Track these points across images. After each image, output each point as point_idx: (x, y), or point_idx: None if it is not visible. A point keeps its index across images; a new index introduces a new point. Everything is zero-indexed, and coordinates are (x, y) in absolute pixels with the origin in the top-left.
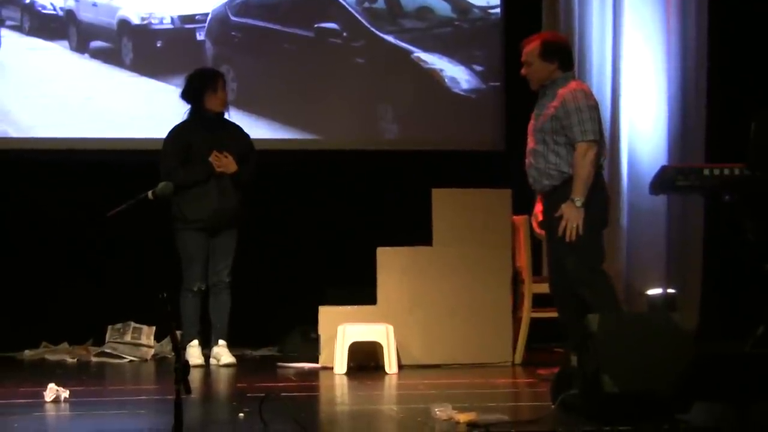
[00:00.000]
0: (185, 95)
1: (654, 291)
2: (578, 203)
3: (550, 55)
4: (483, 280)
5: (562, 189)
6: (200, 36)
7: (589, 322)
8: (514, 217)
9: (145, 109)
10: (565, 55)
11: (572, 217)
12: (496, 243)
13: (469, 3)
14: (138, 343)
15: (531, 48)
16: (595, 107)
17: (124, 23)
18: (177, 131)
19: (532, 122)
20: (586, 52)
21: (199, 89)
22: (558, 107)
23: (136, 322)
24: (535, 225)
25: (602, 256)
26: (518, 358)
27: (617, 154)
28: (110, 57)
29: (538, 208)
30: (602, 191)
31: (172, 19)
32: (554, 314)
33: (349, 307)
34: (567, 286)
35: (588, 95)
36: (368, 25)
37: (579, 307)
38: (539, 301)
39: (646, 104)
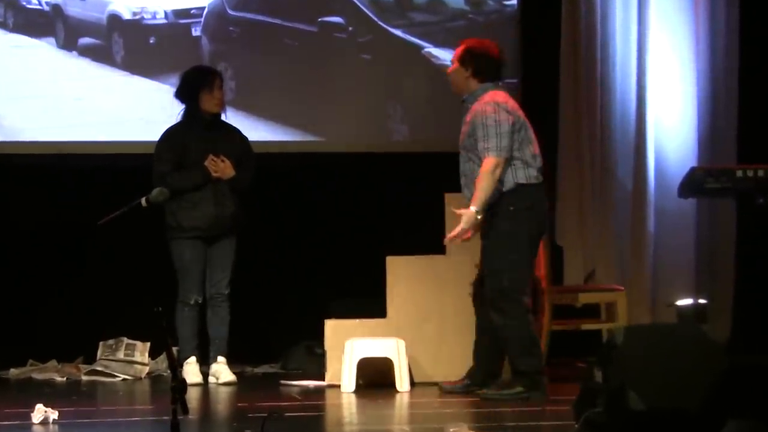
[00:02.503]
0: (179, 95)
1: (683, 301)
2: (477, 212)
3: (466, 61)
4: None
5: (498, 205)
6: (196, 31)
7: (614, 335)
8: None
9: (137, 110)
10: (483, 66)
11: (467, 223)
12: None
13: None
14: (131, 360)
15: (457, 50)
16: (505, 121)
17: (114, 18)
18: (170, 134)
19: None
20: (608, 46)
21: (194, 88)
22: (469, 122)
23: (130, 338)
24: None
25: (523, 281)
26: None
27: (643, 155)
28: (100, 55)
29: None
30: (531, 207)
31: (165, 13)
32: (577, 326)
33: (357, 321)
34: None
35: (498, 108)
36: (376, 19)
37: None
38: (560, 312)
39: (673, 101)
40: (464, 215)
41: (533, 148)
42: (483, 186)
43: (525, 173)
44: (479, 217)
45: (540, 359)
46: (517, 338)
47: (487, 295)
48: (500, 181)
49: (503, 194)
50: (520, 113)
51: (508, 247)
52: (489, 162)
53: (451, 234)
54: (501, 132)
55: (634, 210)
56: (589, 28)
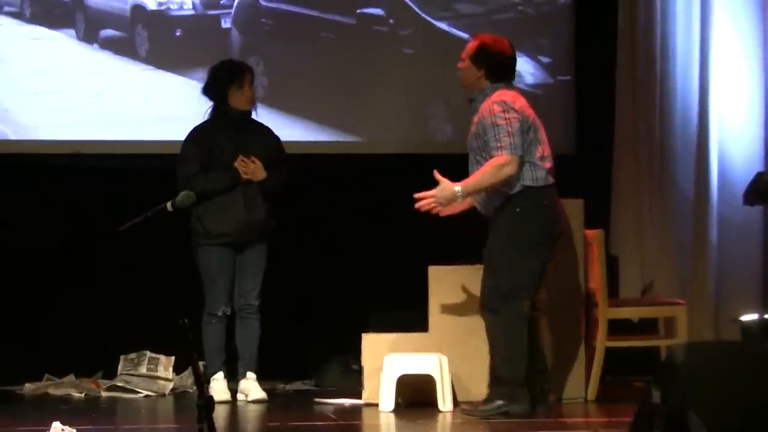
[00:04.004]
0: (207, 91)
1: (748, 316)
2: (458, 193)
3: (480, 59)
4: (551, 304)
5: (505, 207)
6: (225, 23)
7: (674, 352)
8: (587, 230)
9: (161, 108)
10: (497, 65)
11: (441, 195)
12: (566, 261)
13: None
14: (154, 375)
15: (470, 46)
16: (514, 119)
17: (138, 9)
18: (197, 133)
19: None
20: (668, 40)
21: (223, 84)
22: (478, 123)
23: (153, 351)
24: None
25: (523, 285)
26: (592, 394)
27: (705, 158)
28: (122, 48)
29: None
30: (538, 209)
31: (193, 4)
32: (633, 343)
33: (396, 335)
34: None
35: (505, 107)
36: (418, 11)
37: None
38: (615, 327)
39: (738, 100)
40: (443, 183)
41: (543, 149)
42: (482, 174)
43: (532, 175)
44: (459, 197)
45: (524, 370)
46: (503, 342)
47: (483, 297)
48: (507, 183)
49: (510, 196)
50: (529, 113)
51: (508, 247)
52: (501, 157)
53: (419, 194)
54: (512, 131)
55: (695, 218)
56: (648, 21)
